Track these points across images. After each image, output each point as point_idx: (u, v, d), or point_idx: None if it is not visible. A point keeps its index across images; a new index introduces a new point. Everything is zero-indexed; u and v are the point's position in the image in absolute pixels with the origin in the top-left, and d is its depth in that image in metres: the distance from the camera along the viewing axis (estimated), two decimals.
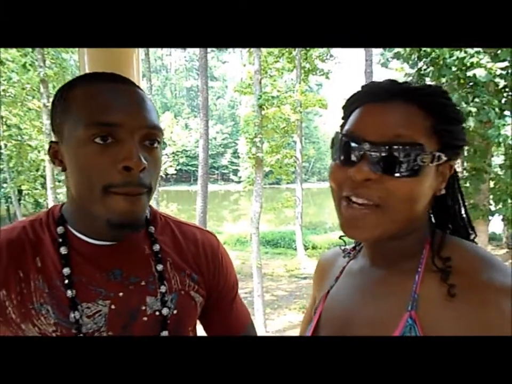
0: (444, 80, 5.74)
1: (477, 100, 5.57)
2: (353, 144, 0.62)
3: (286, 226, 20.69)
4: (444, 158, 0.62)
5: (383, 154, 0.59)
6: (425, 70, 5.96)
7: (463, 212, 0.70)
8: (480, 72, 5.32)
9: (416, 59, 6.00)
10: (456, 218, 0.70)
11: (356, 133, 0.62)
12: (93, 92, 0.69)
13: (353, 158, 0.61)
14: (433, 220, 0.71)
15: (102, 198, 0.67)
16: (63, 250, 0.73)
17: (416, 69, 6.09)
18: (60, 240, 0.74)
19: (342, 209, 0.64)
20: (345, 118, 0.69)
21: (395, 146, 0.59)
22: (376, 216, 0.61)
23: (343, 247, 0.83)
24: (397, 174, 0.59)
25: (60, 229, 0.75)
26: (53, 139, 0.75)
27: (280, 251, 16.14)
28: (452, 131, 0.63)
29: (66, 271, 0.71)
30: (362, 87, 0.68)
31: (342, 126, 0.69)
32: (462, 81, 5.70)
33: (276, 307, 10.31)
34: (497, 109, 5.57)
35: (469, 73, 5.43)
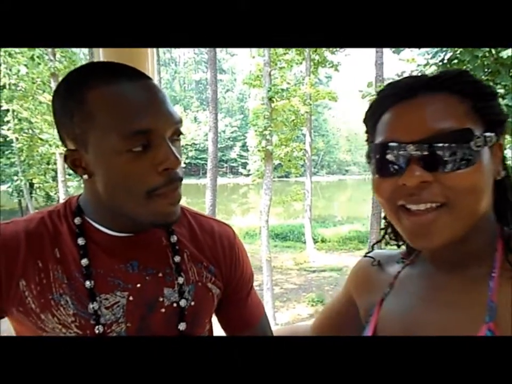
0: (470, 66, 5.60)
1: (500, 85, 5.43)
2: (395, 151, 0.57)
3: (295, 219, 20.69)
4: (495, 138, 0.58)
5: (432, 151, 0.54)
6: (452, 55, 5.81)
7: None
8: None
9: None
10: None
11: (395, 138, 0.57)
12: (114, 94, 0.65)
13: (399, 164, 0.57)
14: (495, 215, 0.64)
15: (147, 202, 0.67)
16: (80, 241, 0.73)
17: (440, 58, 5.93)
18: (77, 231, 0.74)
19: (403, 220, 0.59)
20: (372, 128, 0.64)
21: (442, 140, 0.54)
22: (444, 217, 0.56)
23: (397, 252, 0.77)
24: (454, 168, 0.54)
25: (77, 220, 0.74)
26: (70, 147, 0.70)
27: (289, 244, 16.17)
28: (492, 106, 0.59)
29: (84, 261, 0.71)
30: (381, 91, 0.64)
31: (371, 137, 0.65)
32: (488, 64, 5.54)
33: (285, 300, 10.35)
34: None
35: (503, 54, 5.28)
